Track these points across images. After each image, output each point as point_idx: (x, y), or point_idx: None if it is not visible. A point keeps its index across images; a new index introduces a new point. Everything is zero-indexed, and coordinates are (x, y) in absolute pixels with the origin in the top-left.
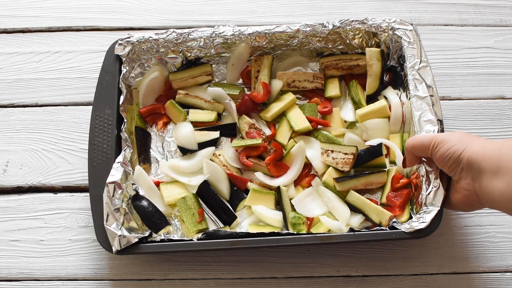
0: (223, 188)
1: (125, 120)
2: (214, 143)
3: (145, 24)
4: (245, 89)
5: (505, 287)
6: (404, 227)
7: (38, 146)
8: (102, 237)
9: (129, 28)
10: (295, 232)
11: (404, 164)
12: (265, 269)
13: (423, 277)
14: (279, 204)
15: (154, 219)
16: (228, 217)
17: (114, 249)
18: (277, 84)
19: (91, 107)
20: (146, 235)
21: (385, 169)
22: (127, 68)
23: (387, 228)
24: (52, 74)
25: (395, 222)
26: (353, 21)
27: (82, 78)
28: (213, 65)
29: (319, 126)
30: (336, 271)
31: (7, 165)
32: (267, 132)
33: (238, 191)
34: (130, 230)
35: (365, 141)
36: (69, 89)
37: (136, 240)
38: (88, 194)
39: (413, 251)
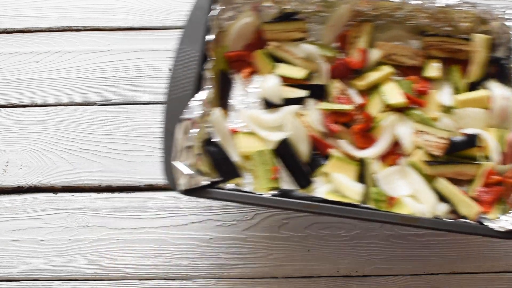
0: (303, 149)
1: (210, 60)
2: (300, 101)
3: (145, 24)
4: (339, 54)
5: (505, 287)
6: (495, 226)
7: (38, 146)
8: (170, 175)
9: (129, 28)
10: (378, 208)
11: (503, 161)
12: (265, 269)
13: (423, 277)
14: (360, 177)
15: (226, 167)
16: (303, 180)
17: (180, 187)
18: (375, 54)
19: (91, 107)
20: (216, 180)
21: (479, 162)
22: (220, 8)
23: (475, 222)
24: (52, 74)
25: (483, 218)
26: (464, 2)
27: (82, 78)
28: (309, 23)
29: (413, 105)
30: (336, 271)
31: (7, 165)
32: (357, 101)
33: (318, 156)
34: (199, 172)
35: (460, 128)
36: (68, 89)
37: (207, 183)
38: (89, 194)
39: (413, 251)
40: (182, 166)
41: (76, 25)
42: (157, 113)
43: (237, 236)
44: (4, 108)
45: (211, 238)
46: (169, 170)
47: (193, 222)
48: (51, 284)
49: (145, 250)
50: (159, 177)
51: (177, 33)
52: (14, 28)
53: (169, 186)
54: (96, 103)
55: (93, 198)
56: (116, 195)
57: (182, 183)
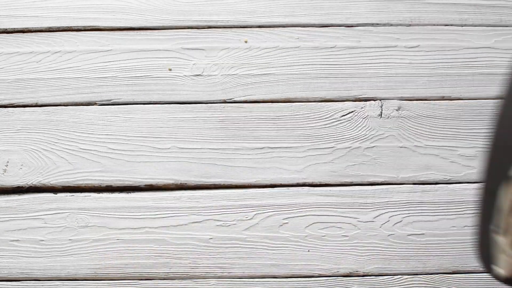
0: None
1: None
2: None
3: (145, 24)
4: None
5: (505, 287)
6: None
7: (38, 146)
8: (485, 250)
9: (129, 28)
10: None
11: None
12: (265, 269)
13: (423, 277)
14: None
15: None
16: None
17: (498, 270)
18: None
19: (91, 107)
20: None
21: None
22: None
23: None
24: (52, 74)
25: None
26: None
27: (82, 78)
28: None
29: None
30: (336, 271)
31: (7, 165)
32: None
33: None
34: None
35: None
36: (68, 89)
37: None
38: (89, 194)
39: (413, 251)
40: (504, 242)
41: (76, 25)
42: (157, 113)
43: (237, 236)
44: (4, 108)
45: (211, 238)
46: (485, 243)
47: (193, 222)
48: (51, 284)
49: (145, 250)
50: (159, 177)
51: (177, 33)
52: (14, 28)
53: (170, 186)
54: (96, 103)
55: (93, 198)
56: (116, 195)
57: (503, 265)
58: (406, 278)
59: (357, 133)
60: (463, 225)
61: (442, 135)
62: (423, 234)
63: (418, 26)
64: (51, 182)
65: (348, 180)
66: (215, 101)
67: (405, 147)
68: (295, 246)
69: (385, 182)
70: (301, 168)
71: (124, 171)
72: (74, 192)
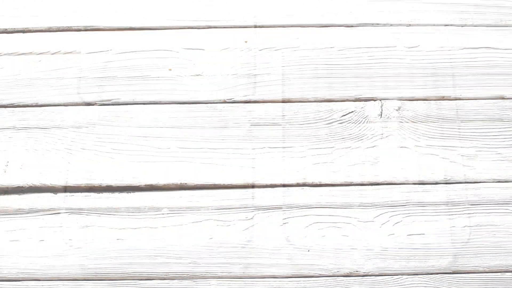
0: None
1: None
2: None
3: (145, 24)
4: None
5: (505, 287)
6: None
7: (38, 146)
8: None
9: (129, 28)
10: None
11: None
12: (265, 268)
13: (423, 277)
14: None
15: None
16: None
17: None
18: None
19: (91, 107)
20: None
21: None
22: None
23: None
24: (52, 74)
25: None
26: None
27: (82, 78)
28: None
29: None
30: (336, 271)
31: (7, 165)
32: None
33: None
34: None
35: None
36: (68, 89)
37: None
38: (89, 194)
39: (413, 251)
40: None
41: (76, 25)
42: (157, 113)
43: (237, 236)
44: (4, 108)
45: (211, 238)
46: None
47: (193, 222)
48: (51, 284)
49: (145, 250)
50: (159, 177)
51: (177, 33)
52: (14, 28)
53: (170, 186)
54: (96, 103)
55: (93, 198)
56: (116, 195)
57: None
58: (406, 278)
59: (357, 133)
60: (463, 225)
61: (442, 135)
62: (423, 234)
63: (418, 26)
64: (51, 182)
65: (348, 180)
66: (215, 101)
67: (405, 147)
68: (295, 246)
69: (385, 182)
70: (301, 168)
71: (124, 171)
72: (75, 192)
